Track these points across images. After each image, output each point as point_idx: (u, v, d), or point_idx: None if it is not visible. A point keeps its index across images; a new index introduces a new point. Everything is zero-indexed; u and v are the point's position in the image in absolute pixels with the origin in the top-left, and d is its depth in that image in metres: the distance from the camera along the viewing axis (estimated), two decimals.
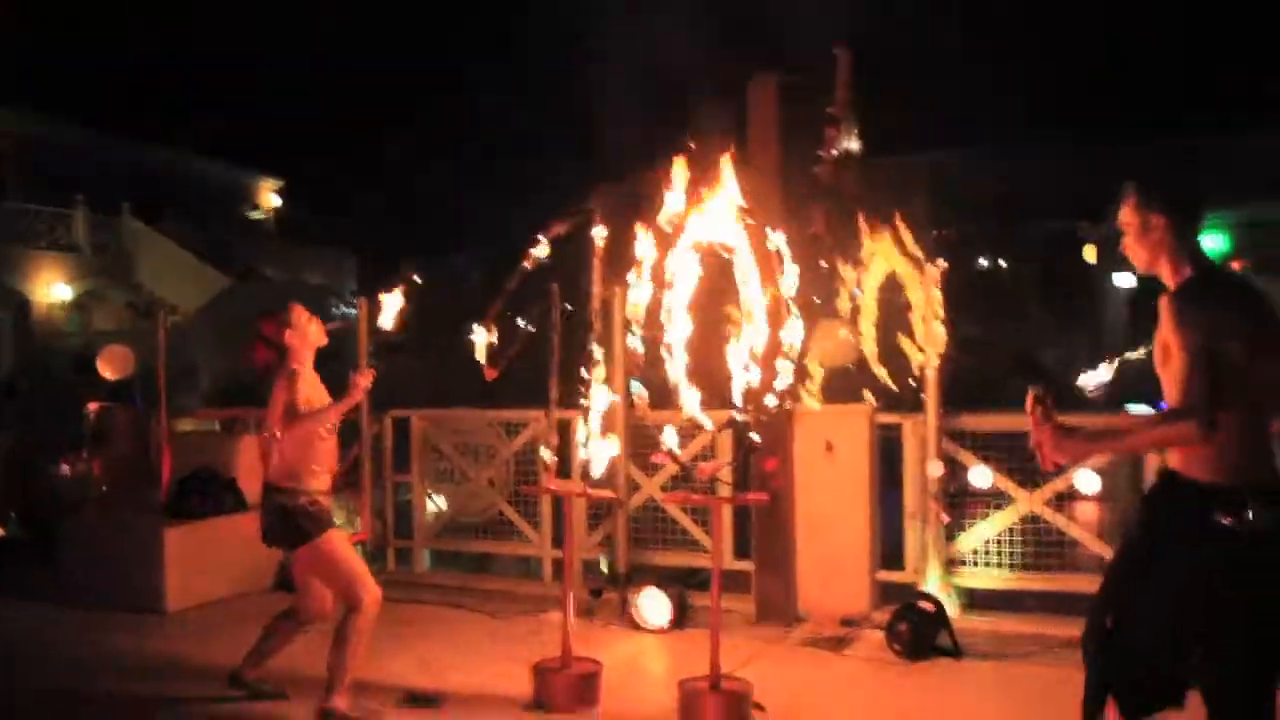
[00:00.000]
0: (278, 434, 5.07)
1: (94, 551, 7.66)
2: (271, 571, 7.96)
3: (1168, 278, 3.40)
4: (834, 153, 7.74)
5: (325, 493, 5.21)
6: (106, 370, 9.61)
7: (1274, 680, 3.17)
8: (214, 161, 30.01)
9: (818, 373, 7.07)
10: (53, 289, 23.20)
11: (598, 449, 5.64)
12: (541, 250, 5.59)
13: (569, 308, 5.99)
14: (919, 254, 6.93)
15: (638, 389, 5.76)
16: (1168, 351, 3.24)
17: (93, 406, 9.09)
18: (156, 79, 29.57)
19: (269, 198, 33.23)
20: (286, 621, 5.49)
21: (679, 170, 5.17)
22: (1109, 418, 3.70)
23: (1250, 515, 3.13)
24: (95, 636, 6.88)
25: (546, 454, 5.85)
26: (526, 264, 5.63)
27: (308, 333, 5.28)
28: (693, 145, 5.21)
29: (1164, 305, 3.26)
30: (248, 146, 29.81)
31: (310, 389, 5.19)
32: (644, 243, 5.22)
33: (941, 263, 6.82)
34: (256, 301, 24.17)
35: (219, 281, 24.60)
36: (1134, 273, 3.56)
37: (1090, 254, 25.80)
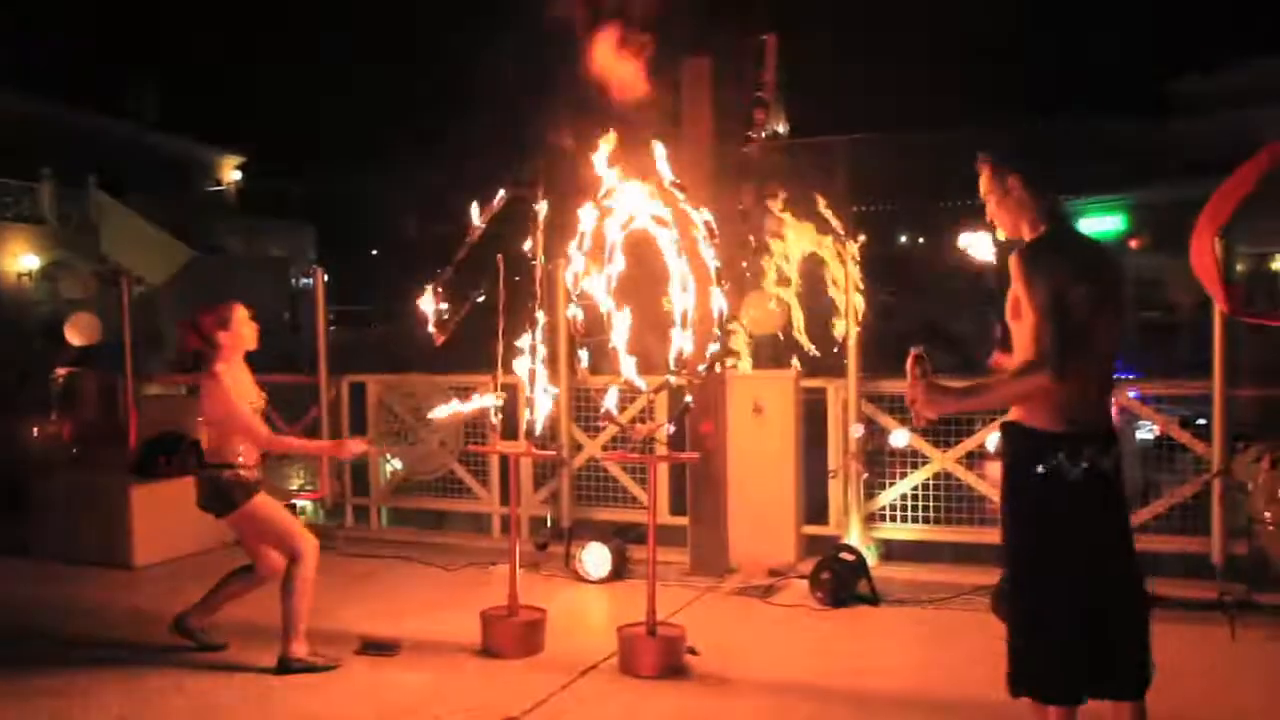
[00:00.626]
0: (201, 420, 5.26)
1: (63, 510, 7.53)
2: None
3: (1028, 236, 3.40)
4: (762, 134, 7.73)
5: (252, 466, 5.22)
6: (74, 337, 9.42)
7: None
8: (177, 137, 29.43)
9: (745, 339, 7.11)
10: (20, 259, 22.70)
11: (540, 410, 5.63)
12: (480, 221, 5.59)
13: (516, 278, 5.95)
14: (840, 229, 6.95)
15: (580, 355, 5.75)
16: (1018, 307, 3.25)
17: (60, 372, 8.90)
18: (122, 55, 28.88)
19: (230, 173, 32.66)
20: (241, 577, 5.46)
21: (614, 146, 5.16)
22: (976, 377, 3.64)
23: (1084, 458, 3.22)
24: (64, 588, 6.80)
25: (494, 414, 5.82)
26: (470, 236, 5.61)
27: (240, 335, 5.27)
28: (627, 121, 5.19)
29: (1013, 262, 3.25)
30: (209, 122, 29.27)
31: (235, 384, 5.17)
32: (583, 215, 5.20)
33: (860, 238, 6.85)
34: (219, 271, 23.91)
35: (183, 253, 24.17)
36: (998, 239, 3.58)
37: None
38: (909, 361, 3.31)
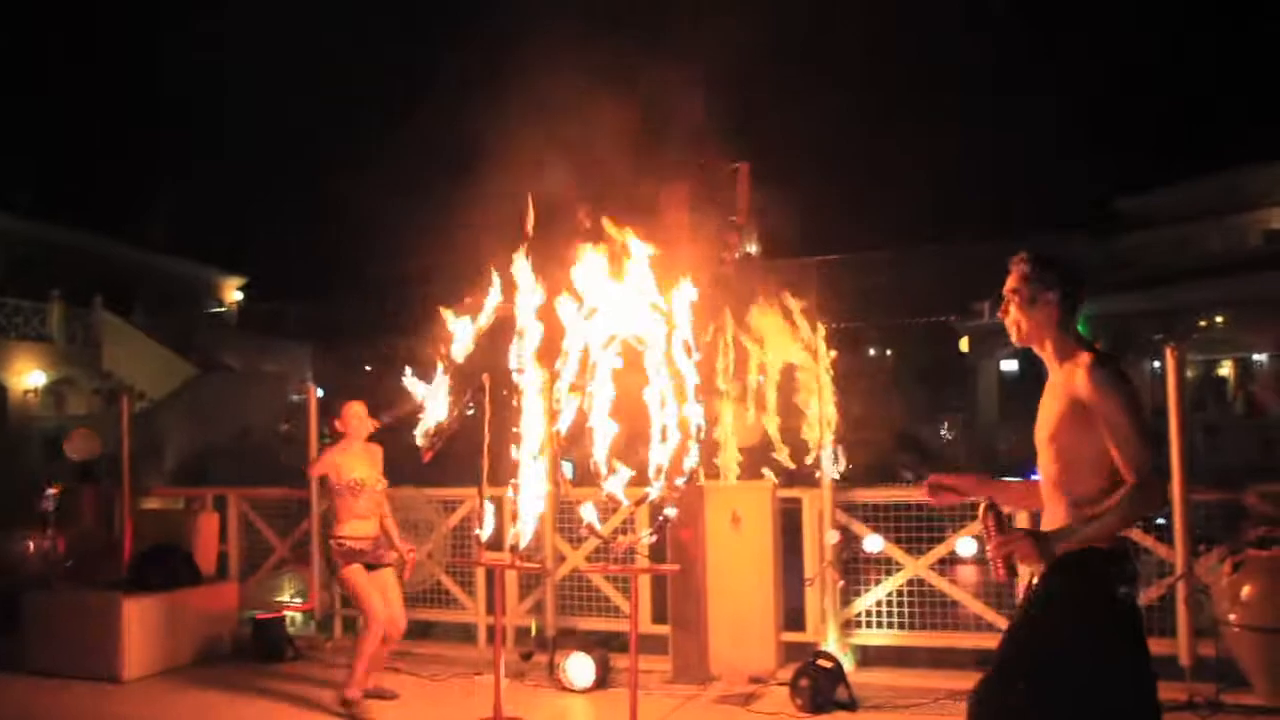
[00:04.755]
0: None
1: (55, 623, 7.28)
2: (230, 639, 7.70)
3: (1051, 353, 3.20)
4: (736, 255, 7.80)
5: (358, 537, 6.20)
6: (72, 452, 9.27)
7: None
8: (181, 260, 29.64)
9: (734, 451, 7.06)
10: (27, 376, 22.54)
11: (526, 524, 5.52)
12: (463, 344, 5.58)
13: (503, 392, 5.90)
14: (815, 344, 6.96)
15: (565, 468, 5.69)
16: (1069, 421, 3.06)
17: (54, 489, 8.72)
18: (131, 182, 29.23)
19: (232, 293, 32.82)
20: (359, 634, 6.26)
21: (598, 262, 5.16)
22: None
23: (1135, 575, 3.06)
24: (52, 701, 6.58)
25: (480, 529, 5.71)
26: (452, 357, 5.59)
27: (350, 424, 6.36)
28: (611, 240, 5.19)
29: (1093, 377, 3.02)
30: (214, 246, 29.54)
31: (345, 460, 6.27)
32: (569, 332, 5.18)
33: (833, 353, 6.86)
34: (220, 388, 23.82)
35: (185, 370, 24.10)
36: (1010, 349, 3.49)
37: (964, 344, 26.39)
38: (982, 515, 3.04)
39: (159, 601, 7.31)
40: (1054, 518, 3.17)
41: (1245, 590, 5.59)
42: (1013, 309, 3.24)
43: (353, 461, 6.29)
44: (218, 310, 32.04)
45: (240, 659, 7.53)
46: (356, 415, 6.36)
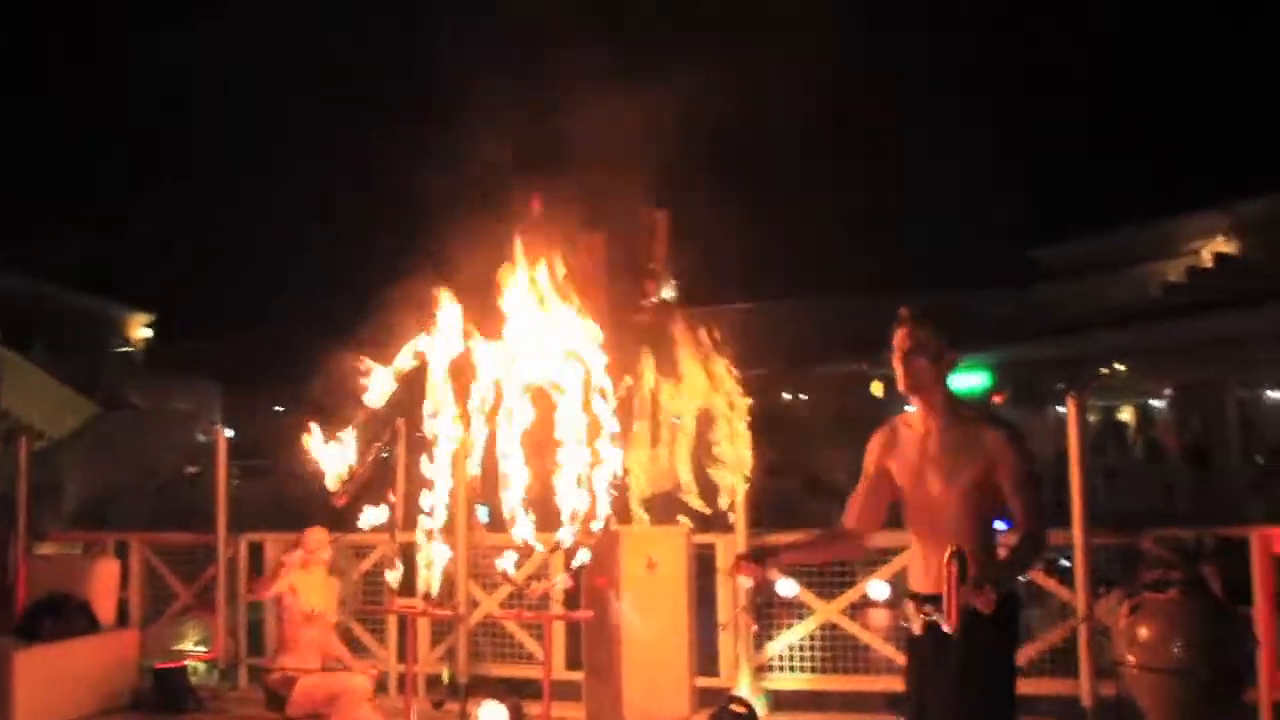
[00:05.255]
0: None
1: None
2: (129, 690, 7.45)
3: (940, 406, 3.48)
4: (653, 300, 7.88)
5: (301, 670, 5.95)
6: None
7: None
8: (85, 295, 28.86)
9: (642, 495, 7.07)
10: None
11: (437, 570, 5.46)
12: (379, 390, 5.50)
13: (417, 434, 5.84)
14: (731, 390, 7.04)
15: (480, 513, 5.65)
16: (982, 477, 3.37)
17: None
18: (32, 212, 28.47)
19: (139, 330, 32.02)
20: None
21: (513, 305, 5.16)
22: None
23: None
24: None
25: (391, 576, 5.63)
26: (365, 402, 5.52)
27: (311, 548, 6.18)
28: (523, 282, 5.19)
29: (1009, 441, 3.37)
30: (118, 282, 28.87)
31: (304, 583, 6.09)
32: (481, 374, 5.16)
33: (748, 399, 6.93)
34: (124, 427, 23.12)
35: (87, 408, 23.35)
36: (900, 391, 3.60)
37: (877, 389, 26.83)
38: (946, 562, 3.01)
39: (53, 651, 7.05)
40: (932, 566, 3.33)
41: (1142, 632, 5.74)
42: (909, 359, 3.48)
43: (312, 587, 6.16)
44: (124, 349, 31.20)
45: (140, 710, 7.30)
46: (319, 540, 6.23)
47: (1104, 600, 6.12)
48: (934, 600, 3.22)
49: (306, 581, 6.14)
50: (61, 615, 7.26)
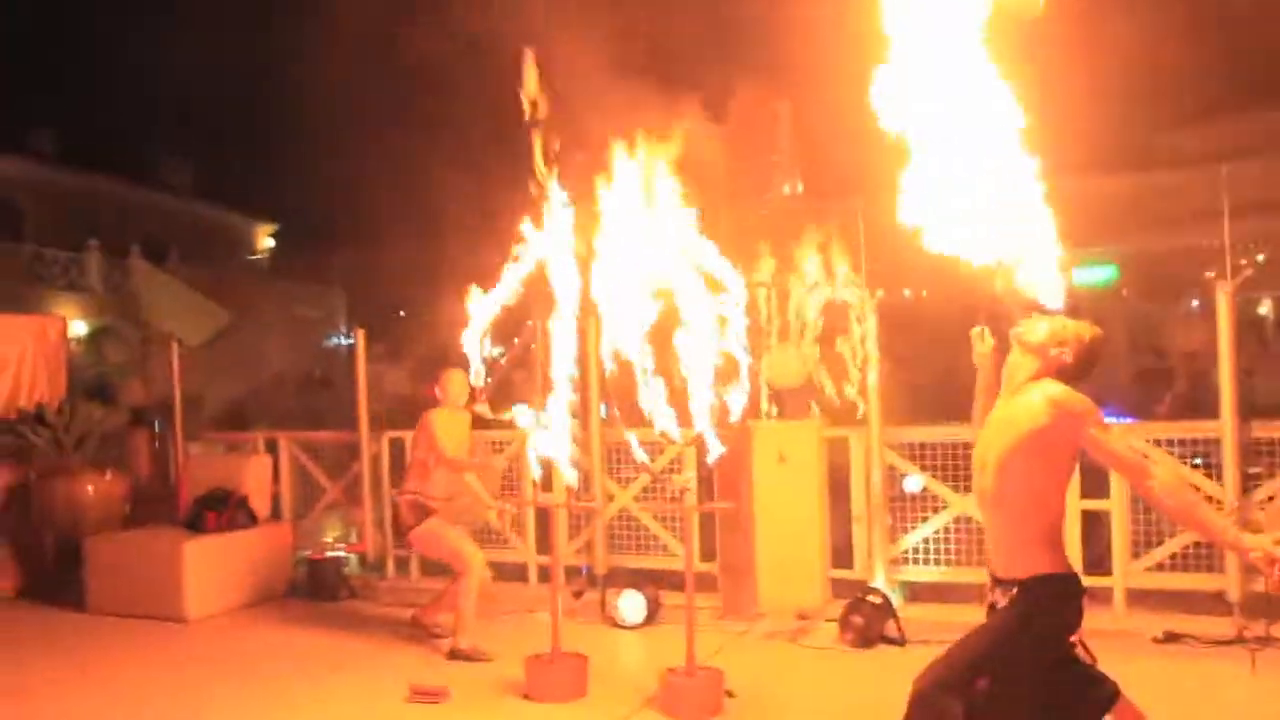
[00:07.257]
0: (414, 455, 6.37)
1: (118, 566, 7.51)
2: (285, 580, 7.92)
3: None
4: (778, 193, 7.81)
5: (436, 498, 6.24)
6: (126, 398, 9.48)
7: None
8: (213, 206, 29.83)
9: (772, 389, 7.11)
10: (69, 326, 22.84)
11: (570, 461, 5.60)
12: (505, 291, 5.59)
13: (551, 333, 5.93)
14: (858, 284, 6.99)
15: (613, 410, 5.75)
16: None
17: (113, 431, 8.93)
18: (164, 131, 29.35)
19: (264, 240, 33.02)
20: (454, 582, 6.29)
21: (634, 205, 5.17)
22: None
23: None
24: (126, 638, 6.83)
25: (532, 468, 5.79)
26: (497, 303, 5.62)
27: (449, 391, 6.32)
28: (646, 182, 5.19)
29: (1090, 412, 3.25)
30: (244, 194, 29.70)
31: (440, 428, 6.23)
32: (612, 273, 5.20)
33: (879, 292, 6.88)
34: (257, 334, 24.02)
35: (220, 317, 24.25)
36: None
37: (1000, 284, 26.13)
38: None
39: (218, 543, 7.53)
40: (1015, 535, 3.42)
41: None
42: (1040, 352, 3.41)
43: (450, 428, 6.32)
44: (251, 257, 32.24)
45: (297, 598, 7.77)
46: (457, 382, 6.30)
47: (1253, 493, 5.99)
48: None
49: (445, 421, 6.31)
50: (223, 511, 7.71)
